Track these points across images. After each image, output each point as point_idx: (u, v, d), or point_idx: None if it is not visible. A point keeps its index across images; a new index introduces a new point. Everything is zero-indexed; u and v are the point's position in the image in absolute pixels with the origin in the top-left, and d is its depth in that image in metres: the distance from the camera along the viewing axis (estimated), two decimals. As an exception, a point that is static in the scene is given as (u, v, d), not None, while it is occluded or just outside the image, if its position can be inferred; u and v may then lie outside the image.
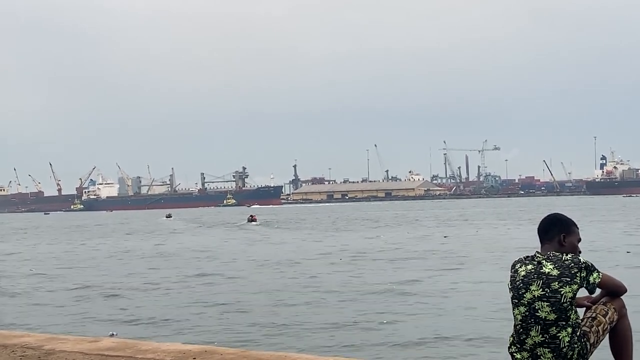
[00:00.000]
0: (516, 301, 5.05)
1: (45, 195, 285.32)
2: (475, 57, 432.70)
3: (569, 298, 4.90)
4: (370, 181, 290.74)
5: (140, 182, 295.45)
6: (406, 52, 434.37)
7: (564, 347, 4.87)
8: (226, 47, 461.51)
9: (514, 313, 5.08)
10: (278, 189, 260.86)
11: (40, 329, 14.97)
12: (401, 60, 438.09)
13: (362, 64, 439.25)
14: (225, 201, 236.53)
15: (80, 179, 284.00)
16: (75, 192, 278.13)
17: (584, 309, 5.21)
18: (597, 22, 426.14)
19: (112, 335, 13.82)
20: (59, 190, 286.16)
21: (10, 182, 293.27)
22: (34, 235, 73.54)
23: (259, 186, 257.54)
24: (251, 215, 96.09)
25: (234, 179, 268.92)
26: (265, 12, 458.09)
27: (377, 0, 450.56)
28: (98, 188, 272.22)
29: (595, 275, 4.98)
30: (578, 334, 4.93)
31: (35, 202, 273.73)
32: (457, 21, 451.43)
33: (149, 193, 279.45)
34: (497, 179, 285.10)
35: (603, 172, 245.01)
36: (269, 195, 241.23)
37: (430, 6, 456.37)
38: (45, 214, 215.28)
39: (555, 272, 4.92)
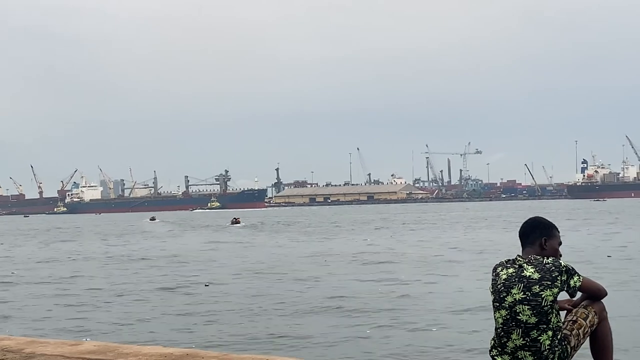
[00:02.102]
0: (497, 304, 5.08)
1: (26, 198, 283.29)
2: (459, 61, 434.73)
3: (550, 301, 4.93)
4: (353, 184, 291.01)
5: (123, 184, 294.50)
6: (389, 56, 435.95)
7: (545, 350, 4.90)
8: (211, 51, 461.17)
9: (495, 316, 5.11)
10: (262, 192, 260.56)
11: (20, 332, 14.87)
12: (384, 64, 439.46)
13: (345, 68, 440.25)
14: (209, 204, 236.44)
15: (62, 181, 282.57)
16: (57, 195, 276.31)
17: (565, 311, 5.25)
18: (580, 27, 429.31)
19: (86, 341, 13.73)
20: (40, 193, 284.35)
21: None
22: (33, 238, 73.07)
23: (243, 189, 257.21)
24: (235, 218, 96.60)
25: (217, 182, 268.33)
26: (251, 16, 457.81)
27: (361, 5, 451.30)
28: (81, 191, 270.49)
29: (575, 278, 5.02)
30: (559, 337, 4.96)
31: (17, 205, 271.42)
32: (442, 25, 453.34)
33: (131, 196, 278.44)
34: (479, 182, 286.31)
35: (584, 176, 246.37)
36: (253, 198, 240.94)
37: (417, 10, 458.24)
38: (24, 216, 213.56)
39: (536, 276, 4.96)
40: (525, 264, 5.04)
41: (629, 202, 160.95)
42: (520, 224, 5.41)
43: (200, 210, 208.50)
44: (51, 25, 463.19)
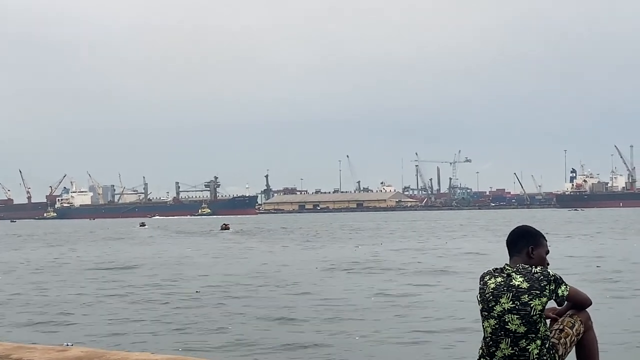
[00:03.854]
0: (486, 314, 5.08)
1: (15, 203, 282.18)
2: (449, 69, 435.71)
3: (539, 311, 4.96)
4: (342, 192, 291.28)
5: (114, 190, 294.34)
6: (379, 64, 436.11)
7: (534, 359, 4.92)
8: (201, 59, 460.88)
9: (483, 325, 5.12)
10: (253, 199, 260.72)
11: (7, 338, 14.79)
12: (374, 72, 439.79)
13: (335, 75, 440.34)
14: (200, 210, 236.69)
15: (51, 187, 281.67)
16: (45, 200, 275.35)
17: (550, 320, 5.28)
18: (569, 35, 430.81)
19: (67, 345, 13.70)
20: (29, 198, 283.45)
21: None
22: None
23: (234, 196, 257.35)
24: (224, 224, 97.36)
25: (207, 189, 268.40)
26: (242, 23, 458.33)
27: (351, 13, 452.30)
28: (72, 196, 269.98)
29: (563, 287, 5.05)
30: (547, 346, 4.99)
31: (5, 210, 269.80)
32: (432, 34, 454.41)
33: (120, 202, 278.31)
34: (467, 191, 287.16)
35: (573, 185, 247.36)
36: (244, 204, 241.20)
37: (406, 19, 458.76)
38: (11, 221, 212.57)
39: (524, 285, 4.98)
40: (513, 273, 5.06)
41: (607, 212, 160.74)
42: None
43: (158, 217, 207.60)
44: (42, 31, 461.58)
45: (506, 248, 5.36)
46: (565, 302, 5.19)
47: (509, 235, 5.38)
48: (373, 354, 13.87)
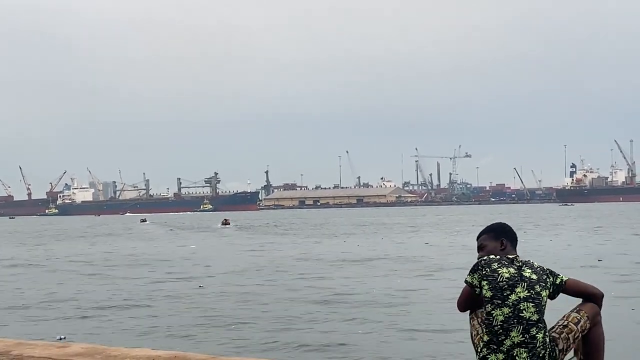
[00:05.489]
0: (499, 302, 5.01)
1: (15, 200, 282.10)
2: (449, 64, 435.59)
3: (545, 301, 5.05)
4: (342, 187, 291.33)
5: (115, 186, 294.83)
6: (379, 63, 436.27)
7: (539, 346, 4.94)
8: (201, 55, 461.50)
9: (492, 314, 5.01)
10: (255, 195, 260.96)
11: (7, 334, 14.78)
12: (373, 67, 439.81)
13: (335, 71, 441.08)
14: (202, 206, 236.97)
15: (51, 183, 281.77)
16: (45, 197, 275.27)
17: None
18: (568, 31, 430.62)
19: (61, 339, 13.73)
20: (29, 194, 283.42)
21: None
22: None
23: (235, 191, 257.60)
24: (225, 219, 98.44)
25: (207, 185, 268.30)
26: (242, 21, 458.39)
27: (348, 9, 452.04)
28: (73, 192, 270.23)
29: (560, 277, 5.17)
30: (549, 336, 5.03)
31: (5, 207, 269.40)
32: (429, 29, 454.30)
33: (120, 198, 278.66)
34: (468, 186, 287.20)
35: (573, 180, 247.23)
36: (246, 200, 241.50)
37: (406, 18, 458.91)
38: (10, 218, 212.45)
39: (534, 277, 5.07)
40: (523, 266, 5.13)
41: (605, 206, 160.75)
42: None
43: (130, 214, 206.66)
44: (41, 26, 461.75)
45: (494, 232, 5.47)
46: (564, 293, 5.19)
47: (503, 225, 5.57)
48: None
